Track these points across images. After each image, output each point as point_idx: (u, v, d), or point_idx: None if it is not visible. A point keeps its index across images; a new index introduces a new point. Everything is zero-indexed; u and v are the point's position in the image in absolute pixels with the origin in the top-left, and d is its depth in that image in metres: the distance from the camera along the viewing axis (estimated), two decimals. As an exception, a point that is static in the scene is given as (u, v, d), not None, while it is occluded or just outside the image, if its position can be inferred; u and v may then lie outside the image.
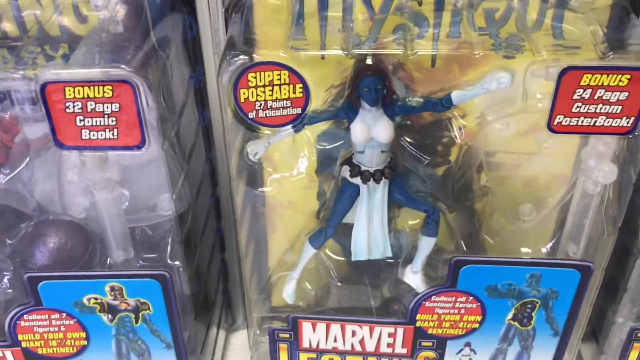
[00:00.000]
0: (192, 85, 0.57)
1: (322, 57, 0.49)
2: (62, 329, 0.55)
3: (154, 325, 0.56)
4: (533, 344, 0.60)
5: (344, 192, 0.54)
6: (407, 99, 0.49)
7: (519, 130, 0.55)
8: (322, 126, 0.54)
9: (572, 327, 0.57)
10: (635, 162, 0.48)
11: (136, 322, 0.55)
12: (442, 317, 0.58)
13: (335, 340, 0.61)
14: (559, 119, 0.45)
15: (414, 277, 0.58)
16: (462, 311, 0.57)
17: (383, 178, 0.52)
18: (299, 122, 0.46)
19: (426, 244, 0.56)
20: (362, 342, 0.60)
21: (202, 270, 0.62)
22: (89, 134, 0.44)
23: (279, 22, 0.51)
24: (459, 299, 0.56)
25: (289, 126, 0.49)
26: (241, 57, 0.43)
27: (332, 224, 0.56)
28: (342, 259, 0.63)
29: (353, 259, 0.56)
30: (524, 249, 0.60)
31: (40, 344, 0.56)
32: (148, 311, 0.54)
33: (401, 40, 0.49)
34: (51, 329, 0.55)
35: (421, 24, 0.50)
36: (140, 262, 0.53)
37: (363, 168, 0.52)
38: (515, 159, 0.57)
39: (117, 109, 0.43)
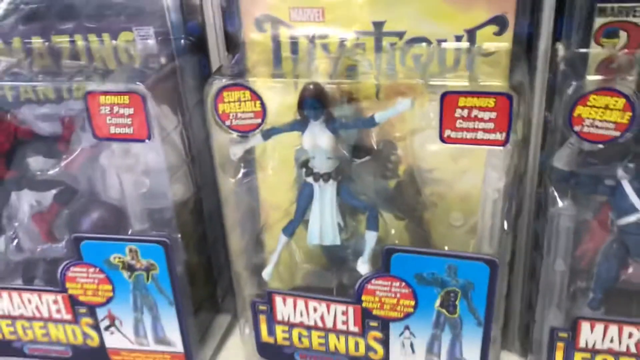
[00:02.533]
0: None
1: (295, 87, 0.67)
2: (96, 281, 0.75)
3: (160, 283, 0.73)
4: (462, 332, 0.70)
5: (303, 190, 0.70)
6: (343, 117, 0.65)
7: (452, 154, 0.69)
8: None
9: (492, 317, 0.68)
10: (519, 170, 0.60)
11: (147, 280, 0.73)
12: (382, 299, 0.70)
13: (301, 315, 0.75)
14: (447, 132, 0.59)
15: (362, 267, 0.72)
16: (398, 295, 0.70)
17: (330, 179, 0.68)
18: (260, 129, 0.64)
19: (370, 237, 0.70)
20: (322, 318, 0.74)
21: (210, 250, 0.80)
22: (115, 129, 0.64)
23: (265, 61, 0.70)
24: (394, 284, 0.69)
25: (259, 135, 0.67)
26: (217, 80, 0.62)
27: (297, 216, 0.71)
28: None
29: (308, 242, 0.71)
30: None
31: (81, 292, 0.76)
32: (155, 271, 0.72)
33: (352, 75, 0.66)
34: (88, 280, 0.75)
35: (365, 64, 0.67)
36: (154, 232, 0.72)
37: (315, 170, 0.68)
38: (450, 175, 0.70)
39: (132, 112, 0.63)
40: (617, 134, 0.56)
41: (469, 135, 0.59)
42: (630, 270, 0.68)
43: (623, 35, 0.59)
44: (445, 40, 0.64)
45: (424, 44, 0.65)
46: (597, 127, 0.57)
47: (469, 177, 0.69)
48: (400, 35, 0.66)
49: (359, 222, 0.74)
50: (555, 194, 0.63)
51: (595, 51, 0.59)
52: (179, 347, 0.78)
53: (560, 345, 0.70)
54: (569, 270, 0.68)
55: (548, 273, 0.68)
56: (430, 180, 0.72)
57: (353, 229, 0.73)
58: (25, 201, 0.75)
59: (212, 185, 0.74)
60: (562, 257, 0.66)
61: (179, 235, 0.70)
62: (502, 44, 0.63)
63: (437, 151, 0.67)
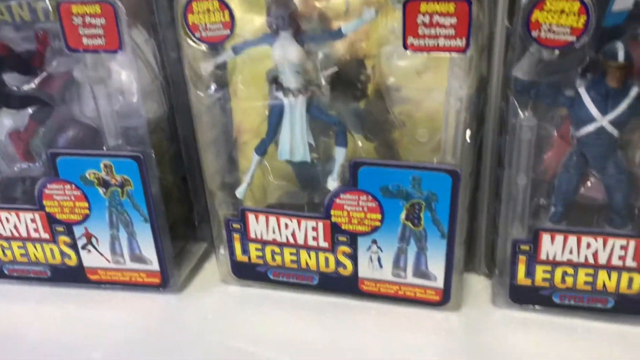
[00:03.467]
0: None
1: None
2: (72, 198, 0.76)
3: (135, 199, 0.75)
4: (427, 245, 0.73)
5: (274, 107, 0.71)
6: (312, 29, 0.67)
7: (417, 68, 0.70)
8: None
9: (455, 229, 0.70)
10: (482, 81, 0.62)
11: (122, 196, 0.75)
12: (351, 213, 0.72)
13: (273, 232, 0.77)
14: (410, 40, 0.60)
15: (332, 184, 0.73)
16: (365, 209, 0.72)
17: (300, 95, 0.69)
18: (229, 41, 0.65)
19: (339, 154, 0.72)
20: (293, 234, 0.76)
21: (185, 172, 0.82)
22: (87, 40, 0.65)
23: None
24: (361, 197, 0.71)
25: (230, 50, 0.68)
26: (187, -10, 0.63)
27: (269, 134, 0.73)
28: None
29: (279, 159, 0.73)
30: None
31: (58, 210, 0.78)
32: (130, 187, 0.74)
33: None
34: (65, 197, 0.76)
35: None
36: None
37: (284, 85, 0.69)
38: (417, 93, 0.72)
39: (104, 22, 0.64)
40: (574, 38, 0.58)
41: (431, 43, 0.61)
42: (589, 184, 0.70)
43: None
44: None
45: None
46: (554, 32, 0.58)
47: (435, 94, 0.71)
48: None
49: (330, 140, 0.75)
50: (517, 104, 0.65)
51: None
52: (154, 266, 0.80)
53: (522, 258, 0.72)
54: (532, 185, 0.71)
55: (510, 187, 0.70)
56: (398, 98, 0.73)
57: (324, 148, 0.75)
58: (1, 120, 0.77)
59: (187, 107, 0.76)
60: (524, 170, 0.68)
61: (152, 152, 0.72)
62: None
63: (402, 67, 0.69)
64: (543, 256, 0.71)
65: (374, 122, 0.75)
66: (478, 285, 0.81)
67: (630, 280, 0.70)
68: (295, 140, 0.72)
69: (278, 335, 0.74)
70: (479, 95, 0.67)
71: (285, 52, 0.66)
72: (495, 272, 0.76)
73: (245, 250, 0.80)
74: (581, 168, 0.67)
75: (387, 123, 0.75)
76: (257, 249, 0.79)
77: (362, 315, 0.77)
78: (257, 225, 0.77)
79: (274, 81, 0.70)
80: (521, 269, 0.73)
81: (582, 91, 0.63)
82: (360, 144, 0.73)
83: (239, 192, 0.77)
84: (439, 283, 0.75)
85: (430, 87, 0.70)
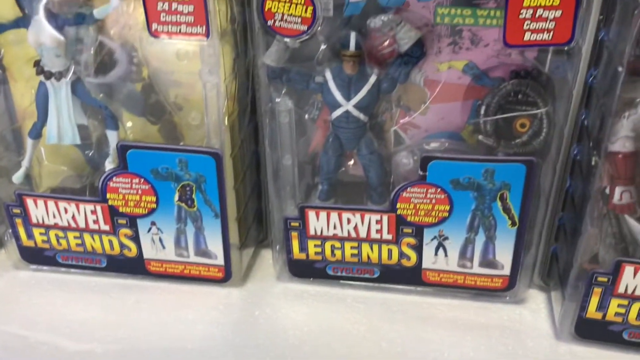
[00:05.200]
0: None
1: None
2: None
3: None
4: (203, 225, 0.75)
5: (39, 89, 0.71)
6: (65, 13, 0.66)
7: (178, 54, 0.72)
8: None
9: (225, 208, 0.73)
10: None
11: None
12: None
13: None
14: (155, 26, 0.62)
15: (108, 165, 0.74)
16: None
17: (62, 78, 0.69)
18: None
19: (110, 137, 0.73)
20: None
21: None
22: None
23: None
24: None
25: None
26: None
27: (39, 117, 0.72)
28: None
29: (47, 142, 0.73)
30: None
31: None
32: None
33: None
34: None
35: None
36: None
37: (46, 68, 0.69)
38: (189, 78, 0.74)
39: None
40: (305, 27, 0.62)
41: (174, 29, 0.62)
42: (352, 162, 0.75)
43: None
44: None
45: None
46: (287, 21, 0.62)
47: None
48: None
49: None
50: (271, 90, 0.68)
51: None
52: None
53: (294, 234, 0.76)
54: (300, 165, 0.75)
55: (278, 167, 0.74)
56: (172, 82, 0.74)
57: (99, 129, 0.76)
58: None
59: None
60: (288, 151, 0.72)
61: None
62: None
63: (161, 51, 0.70)
64: (312, 232, 0.76)
65: (153, 104, 0.77)
66: (271, 260, 0.86)
67: (390, 252, 0.76)
68: (62, 124, 0.72)
69: (57, 318, 0.75)
70: (237, 79, 0.70)
71: (39, 36, 0.66)
72: (276, 248, 0.80)
73: (30, 235, 0.79)
74: (338, 149, 0.72)
75: (165, 106, 0.76)
76: (41, 234, 0.79)
77: (148, 295, 0.79)
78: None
79: (37, 64, 0.70)
80: (295, 244, 0.77)
81: (329, 77, 0.67)
82: (130, 124, 0.74)
83: (16, 177, 0.76)
84: (220, 261, 0.78)
85: (194, 70, 0.72)
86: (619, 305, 0.66)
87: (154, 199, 0.74)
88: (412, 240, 0.74)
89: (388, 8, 0.64)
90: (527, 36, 0.58)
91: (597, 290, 0.66)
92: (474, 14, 0.64)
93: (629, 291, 0.65)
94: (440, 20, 0.65)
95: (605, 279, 0.65)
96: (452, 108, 0.70)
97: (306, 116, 0.71)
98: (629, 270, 0.63)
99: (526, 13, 0.57)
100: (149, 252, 0.78)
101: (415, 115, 0.71)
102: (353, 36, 0.64)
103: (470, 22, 0.65)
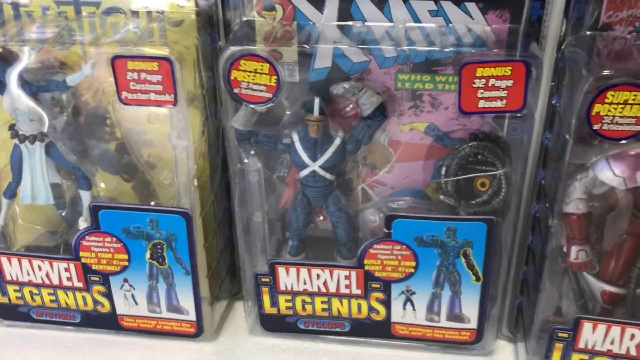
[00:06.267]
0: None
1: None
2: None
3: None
4: (174, 282, 0.76)
5: (14, 151, 0.73)
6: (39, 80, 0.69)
7: (148, 115, 0.74)
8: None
9: (196, 265, 0.74)
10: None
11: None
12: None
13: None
14: (124, 94, 0.64)
15: (82, 224, 0.75)
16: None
17: (36, 141, 0.71)
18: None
19: (84, 196, 0.75)
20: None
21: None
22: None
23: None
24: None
25: None
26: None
27: (14, 177, 0.74)
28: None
29: (21, 202, 0.74)
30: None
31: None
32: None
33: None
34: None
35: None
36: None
37: (20, 132, 0.71)
38: (159, 137, 0.76)
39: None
40: (270, 95, 0.64)
41: (143, 97, 0.65)
42: (321, 217, 0.77)
43: (279, 8, 0.66)
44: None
45: (120, 14, 0.70)
46: (252, 89, 0.64)
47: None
48: (97, 5, 0.70)
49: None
50: (240, 151, 0.71)
51: (260, 21, 0.66)
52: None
53: (265, 289, 0.77)
54: (270, 222, 0.77)
55: (249, 224, 0.75)
56: (144, 142, 0.76)
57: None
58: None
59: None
60: (258, 208, 0.74)
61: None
62: (188, 13, 0.69)
63: (135, 114, 0.72)
64: (282, 287, 0.77)
65: (127, 163, 0.79)
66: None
67: (359, 306, 0.77)
68: (36, 184, 0.73)
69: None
70: (206, 141, 0.72)
71: (13, 102, 0.68)
72: (248, 303, 0.81)
73: (4, 292, 0.80)
74: (306, 207, 0.74)
75: (139, 164, 0.78)
76: (15, 290, 0.80)
77: (122, 351, 0.80)
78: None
79: (12, 128, 0.72)
80: (266, 299, 0.78)
81: (295, 139, 0.70)
82: (103, 186, 0.76)
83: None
84: (192, 316, 0.79)
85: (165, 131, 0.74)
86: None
87: (126, 257, 0.75)
88: (380, 295, 0.75)
89: (351, 74, 0.68)
90: (481, 104, 0.61)
91: (559, 346, 0.67)
92: (433, 80, 0.67)
93: (589, 346, 0.67)
94: (401, 86, 0.68)
95: (566, 335, 0.67)
96: (416, 166, 0.73)
97: (274, 175, 0.73)
98: (587, 326, 0.65)
99: (479, 82, 0.60)
100: (122, 308, 0.79)
101: (381, 173, 0.74)
102: (317, 102, 0.66)
103: (430, 87, 0.68)
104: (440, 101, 0.68)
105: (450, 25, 0.64)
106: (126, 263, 0.76)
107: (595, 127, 0.54)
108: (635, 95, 0.53)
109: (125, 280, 0.77)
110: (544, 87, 0.64)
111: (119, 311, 0.79)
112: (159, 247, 0.74)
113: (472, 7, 0.63)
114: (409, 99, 0.69)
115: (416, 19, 0.65)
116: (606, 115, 0.54)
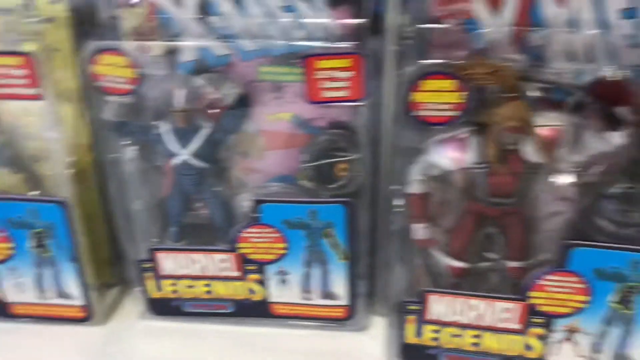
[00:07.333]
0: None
1: None
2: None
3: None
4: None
5: None
6: None
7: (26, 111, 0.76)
8: None
9: (78, 251, 0.78)
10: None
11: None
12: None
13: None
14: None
15: None
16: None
17: None
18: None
19: None
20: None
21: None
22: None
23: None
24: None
25: None
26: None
27: None
28: None
29: None
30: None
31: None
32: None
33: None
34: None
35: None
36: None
37: None
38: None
39: None
40: (131, 87, 0.68)
41: (9, 91, 0.68)
42: (201, 204, 0.81)
43: (143, 4, 0.70)
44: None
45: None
46: (115, 82, 0.68)
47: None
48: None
49: None
50: (115, 141, 0.74)
51: (126, 16, 0.70)
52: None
53: (149, 275, 0.81)
54: (152, 209, 0.80)
55: (129, 213, 0.79)
56: (27, 135, 0.79)
57: None
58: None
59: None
60: (136, 197, 0.78)
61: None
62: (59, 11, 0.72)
63: (13, 107, 0.75)
64: (164, 272, 0.81)
65: (15, 155, 0.81)
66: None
67: (238, 288, 0.81)
68: None
69: None
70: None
71: None
72: (138, 289, 0.85)
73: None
74: (182, 194, 0.78)
75: (28, 157, 0.81)
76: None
77: (12, 337, 0.82)
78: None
79: None
80: (150, 284, 0.82)
81: (164, 130, 0.73)
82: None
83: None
84: (80, 301, 0.82)
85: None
86: (432, 331, 0.73)
87: (9, 245, 0.78)
88: (257, 277, 0.80)
89: (215, 67, 0.72)
90: (325, 94, 0.66)
91: (411, 318, 0.73)
92: (293, 72, 0.72)
93: (438, 317, 0.72)
94: (264, 78, 0.73)
95: (416, 307, 0.72)
96: (285, 154, 0.77)
97: (152, 165, 0.77)
98: (433, 298, 0.70)
99: (322, 74, 0.65)
100: (12, 295, 0.82)
101: (252, 160, 0.78)
102: (181, 93, 0.70)
103: (290, 78, 0.72)
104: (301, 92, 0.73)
105: (301, 20, 0.69)
106: (12, 252, 0.78)
107: (415, 113, 0.59)
108: (449, 83, 0.59)
109: (13, 269, 0.80)
110: (391, 77, 0.69)
111: (10, 299, 0.82)
112: (40, 235, 0.77)
113: (319, 3, 0.68)
114: (272, 90, 0.73)
115: (271, 14, 0.69)
116: (424, 102, 0.59)
